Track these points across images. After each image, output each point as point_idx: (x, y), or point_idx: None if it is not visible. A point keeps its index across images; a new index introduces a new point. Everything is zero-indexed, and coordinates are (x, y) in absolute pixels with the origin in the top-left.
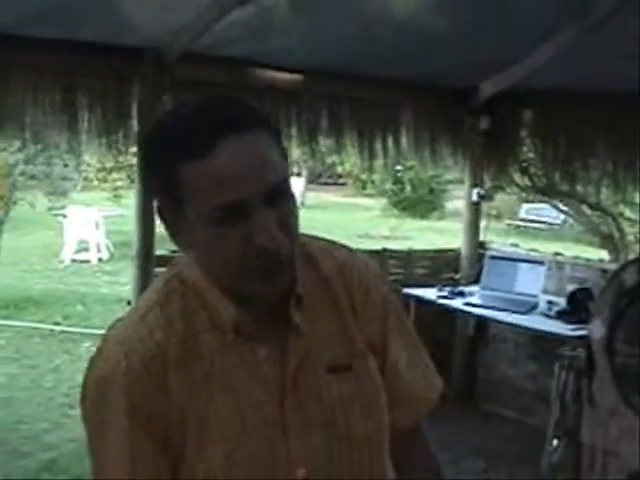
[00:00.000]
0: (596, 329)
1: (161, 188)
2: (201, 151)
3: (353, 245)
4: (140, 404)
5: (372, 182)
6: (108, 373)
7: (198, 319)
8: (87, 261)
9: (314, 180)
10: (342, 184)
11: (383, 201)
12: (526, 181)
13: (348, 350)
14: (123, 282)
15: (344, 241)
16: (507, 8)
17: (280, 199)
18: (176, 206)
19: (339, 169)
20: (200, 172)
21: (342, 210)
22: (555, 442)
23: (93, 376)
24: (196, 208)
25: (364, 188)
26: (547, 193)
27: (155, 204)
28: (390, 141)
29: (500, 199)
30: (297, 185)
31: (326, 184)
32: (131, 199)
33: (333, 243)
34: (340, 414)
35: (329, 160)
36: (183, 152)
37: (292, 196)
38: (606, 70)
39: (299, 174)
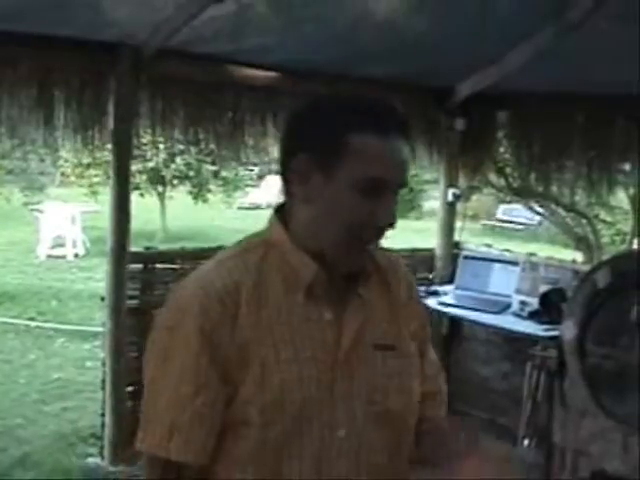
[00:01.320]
0: (568, 330)
1: (322, 146)
2: (377, 130)
3: None
4: (210, 332)
5: None
6: (185, 301)
7: (273, 273)
8: (63, 257)
9: None
10: None
11: None
12: (501, 182)
13: (394, 332)
14: (98, 278)
15: None
16: (484, 9)
17: (397, 197)
18: (327, 164)
19: None
20: (369, 145)
21: None
22: (526, 442)
23: (170, 305)
24: (349, 171)
25: None
26: (522, 194)
27: (291, 160)
28: None
29: (477, 199)
30: (275, 183)
31: None
32: (107, 195)
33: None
34: (381, 388)
35: None
36: (365, 126)
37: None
38: (581, 72)
39: (278, 173)
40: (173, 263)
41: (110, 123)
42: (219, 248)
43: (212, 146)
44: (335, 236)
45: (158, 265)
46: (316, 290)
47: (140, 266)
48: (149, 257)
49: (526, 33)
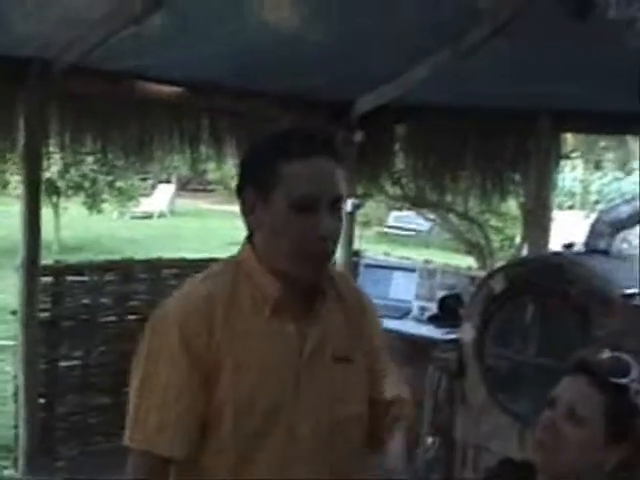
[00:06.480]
0: (466, 333)
1: (259, 177)
2: (301, 156)
3: (223, 252)
4: (190, 338)
5: None
6: (167, 313)
7: (243, 290)
8: None
9: (183, 187)
10: (211, 191)
11: None
12: (397, 191)
13: (351, 345)
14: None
15: (216, 248)
16: (386, 26)
17: (337, 211)
18: (265, 192)
19: (210, 176)
20: (296, 170)
21: (212, 217)
22: (429, 440)
23: (155, 316)
24: (282, 194)
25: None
26: (417, 202)
27: (242, 193)
28: None
29: (369, 207)
30: (166, 192)
31: (195, 190)
32: (6, 206)
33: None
34: (340, 397)
35: (203, 166)
36: (288, 153)
37: (342, 213)
38: (476, 89)
39: (168, 181)
40: (83, 275)
41: (21, 138)
42: (127, 260)
43: (110, 156)
44: (284, 254)
45: (68, 277)
46: (281, 306)
47: (50, 279)
48: (59, 270)
49: (426, 52)
